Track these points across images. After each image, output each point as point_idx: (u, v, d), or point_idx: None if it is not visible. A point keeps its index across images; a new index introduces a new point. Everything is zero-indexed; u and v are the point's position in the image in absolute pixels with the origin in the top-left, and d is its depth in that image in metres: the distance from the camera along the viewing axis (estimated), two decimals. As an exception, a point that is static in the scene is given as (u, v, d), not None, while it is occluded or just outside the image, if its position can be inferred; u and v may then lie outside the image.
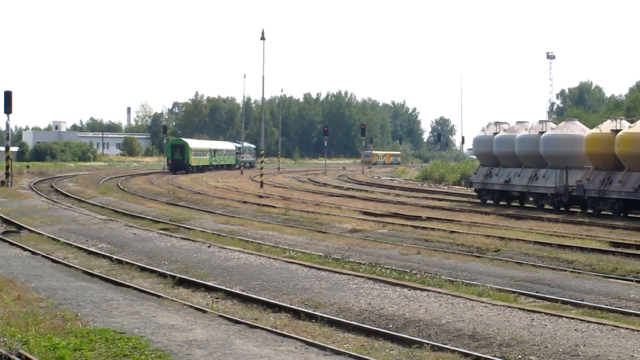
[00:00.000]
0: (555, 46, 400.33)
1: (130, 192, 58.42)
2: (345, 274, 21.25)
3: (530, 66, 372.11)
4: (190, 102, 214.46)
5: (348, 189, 68.71)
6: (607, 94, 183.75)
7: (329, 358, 13.30)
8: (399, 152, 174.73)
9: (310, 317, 16.72)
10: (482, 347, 14.35)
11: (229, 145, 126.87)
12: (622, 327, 15.12)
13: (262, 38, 66.16)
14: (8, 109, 55.87)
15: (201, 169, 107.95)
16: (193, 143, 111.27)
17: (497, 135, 49.96)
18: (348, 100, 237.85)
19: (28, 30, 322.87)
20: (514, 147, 47.85)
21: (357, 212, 42.45)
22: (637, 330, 14.90)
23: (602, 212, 41.07)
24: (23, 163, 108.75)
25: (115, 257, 24.83)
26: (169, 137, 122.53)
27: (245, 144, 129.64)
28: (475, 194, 53.09)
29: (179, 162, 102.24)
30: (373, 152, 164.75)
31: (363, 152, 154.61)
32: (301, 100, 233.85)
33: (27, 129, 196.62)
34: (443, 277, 21.45)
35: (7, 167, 59.69)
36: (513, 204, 49.18)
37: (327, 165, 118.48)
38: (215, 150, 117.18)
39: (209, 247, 26.51)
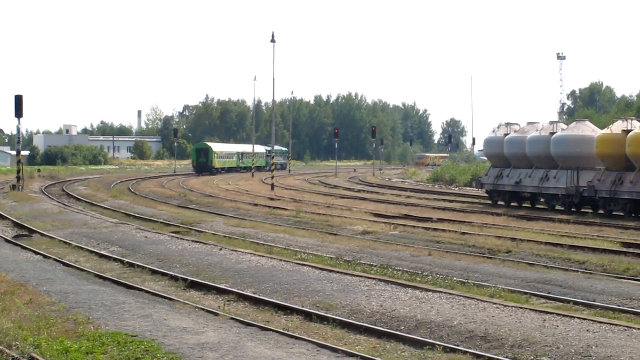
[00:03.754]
0: (565, 47, 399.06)
1: (141, 195, 58.51)
2: (357, 276, 21.25)
3: (540, 67, 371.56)
4: (201, 105, 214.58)
5: (359, 191, 68.66)
6: (618, 95, 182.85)
7: (341, 360, 13.31)
8: (447, 155, 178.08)
9: (322, 319, 16.73)
10: (494, 349, 14.34)
11: (259, 148, 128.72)
12: (634, 328, 15.09)
13: (273, 41, 66.20)
14: (19, 113, 56.06)
15: (227, 170, 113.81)
16: (217, 147, 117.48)
17: (508, 137, 49.89)
18: (359, 103, 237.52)
19: (39, 35, 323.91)
20: (525, 149, 47.78)
21: (368, 214, 42.43)
22: (650, 331, 14.87)
23: (614, 213, 40.96)
24: (34, 167, 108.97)
25: (126, 260, 24.87)
26: (179, 140, 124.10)
27: (277, 147, 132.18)
28: (487, 195, 53.01)
29: (204, 165, 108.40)
30: (425, 154, 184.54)
31: (416, 154, 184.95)
32: (312, 102, 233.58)
33: (38, 133, 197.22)
34: (455, 278, 21.43)
35: (19, 171, 59.87)
36: (524, 205, 49.10)
37: (338, 168, 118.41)
38: (242, 154, 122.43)
39: (221, 250, 26.53)
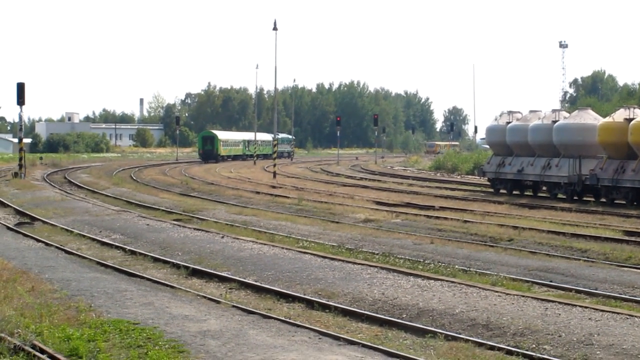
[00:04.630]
0: (568, 35, 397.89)
1: (143, 183, 58.50)
2: (359, 263, 21.25)
3: (543, 55, 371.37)
4: (202, 92, 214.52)
5: (361, 178, 68.65)
6: (621, 83, 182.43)
7: (343, 348, 13.30)
8: (457, 143, 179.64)
9: (324, 307, 16.73)
10: (496, 337, 14.34)
11: (265, 136, 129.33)
12: (636, 316, 15.08)
13: (275, 28, 66.05)
14: (21, 101, 56.02)
15: (233, 158, 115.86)
16: (222, 135, 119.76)
17: (510, 125, 49.83)
18: (360, 90, 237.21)
19: (40, 22, 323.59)
20: (527, 137, 47.73)
21: (370, 202, 42.39)
22: (652, 319, 14.86)
23: (616, 201, 40.93)
24: (36, 154, 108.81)
25: (128, 248, 24.88)
26: (181, 128, 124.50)
27: (283, 135, 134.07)
28: (489, 183, 53.00)
29: (209, 152, 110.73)
30: (436, 143, 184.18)
31: (427, 142, 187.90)
32: (314, 90, 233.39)
33: (40, 120, 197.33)
34: (456, 266, 21.42)
35: (20, 159, 59.88)
36: (526, 193, 49.06)
37: (340, 156, 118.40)
38: (248, 141, 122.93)
39: (222, 237, 26.53)
